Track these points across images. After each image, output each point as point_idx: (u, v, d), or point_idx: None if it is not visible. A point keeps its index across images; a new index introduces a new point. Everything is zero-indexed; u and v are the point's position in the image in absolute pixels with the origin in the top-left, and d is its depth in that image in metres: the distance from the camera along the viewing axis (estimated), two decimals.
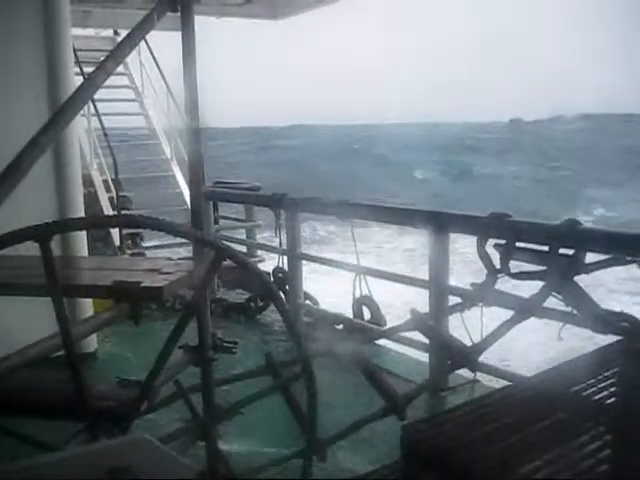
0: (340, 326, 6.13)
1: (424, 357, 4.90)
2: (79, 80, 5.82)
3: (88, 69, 7.75)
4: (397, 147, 42.63)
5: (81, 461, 1.14)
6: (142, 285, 2.51)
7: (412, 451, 1.53)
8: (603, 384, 1.79)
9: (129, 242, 8.68)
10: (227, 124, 55.87)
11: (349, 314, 6.14)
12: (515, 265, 3.72)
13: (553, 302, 3.47)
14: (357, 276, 5.93)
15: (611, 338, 2.82)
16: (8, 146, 2.54)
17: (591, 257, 3.47)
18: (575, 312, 3.43)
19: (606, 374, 1.84)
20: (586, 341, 3.53)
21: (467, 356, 3.19)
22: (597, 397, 1.73)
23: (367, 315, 6.08)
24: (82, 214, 5.37)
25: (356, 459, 3.61)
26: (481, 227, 3.92)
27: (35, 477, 1.10)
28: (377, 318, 5.94)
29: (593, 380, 1.81)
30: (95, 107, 8.93)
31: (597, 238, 3.55)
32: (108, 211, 8.81)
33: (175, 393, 2.81)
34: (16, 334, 2.75)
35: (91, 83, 2.78)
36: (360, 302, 6.04)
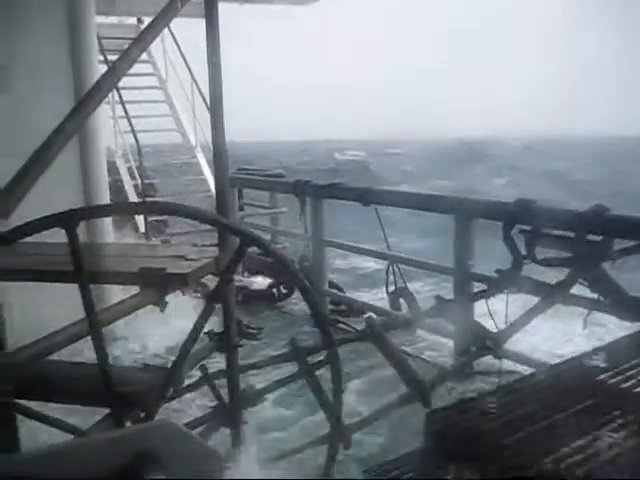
0: (367, 315, 6.10)
1: (449, 343, 4.90)
2: (103, 68, 5.84)
3: (112, 57, 7.77)
4: None
5: (107, 446, 1.15)
6: (168, 271, 2.52)
7: (436, 438, 1.52)
8: (630, 372, 1.77)
9: (154, 229, 8.71)
10: None
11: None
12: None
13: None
14: (390, 265, 5.86)
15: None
16: (34, 133, 2.55)
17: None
18: (602, 299, 3.40)
19: (633, 362, 1.82)
20: None
21: (492, 343, 3.18)
22: (624, 385, 1.71)
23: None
24: (107, 201, 5.41)
25: (380, 445, 3.61)
26: (507, 213, 3.88)
27: (60, 461, 1.11)
28: (414, 311, 5.81)
29: (620, 368, 1.79)
30: (119, 94, 8.95)
31: (625, 224, 3.51)
32: (133, 198, 8.85)
33: (200, 379, 2.83)
34: (43, 320, 2.78)
35: (115, 71, 2.79)
36: (397, 294, 5.94)
